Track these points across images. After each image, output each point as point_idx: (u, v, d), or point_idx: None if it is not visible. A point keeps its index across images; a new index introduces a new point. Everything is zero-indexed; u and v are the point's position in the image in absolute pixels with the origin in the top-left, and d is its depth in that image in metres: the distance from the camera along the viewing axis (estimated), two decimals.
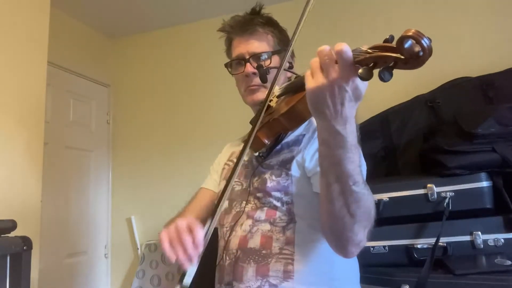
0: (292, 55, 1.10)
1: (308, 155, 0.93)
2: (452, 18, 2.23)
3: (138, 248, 2.76)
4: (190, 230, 0.75)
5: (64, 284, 2.54)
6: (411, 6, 2.32)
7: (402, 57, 0.52)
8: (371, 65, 0.56)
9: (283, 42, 1.08)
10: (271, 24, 1.07)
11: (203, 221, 1.08)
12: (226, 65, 1.09)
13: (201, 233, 0.74)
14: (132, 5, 2.64)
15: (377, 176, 1.87)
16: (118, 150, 3.01)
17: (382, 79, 0.53)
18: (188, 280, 0.73)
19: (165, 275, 2.56)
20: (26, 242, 1.29)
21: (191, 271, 0.73)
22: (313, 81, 0.63)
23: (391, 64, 0.54)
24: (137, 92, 3.01)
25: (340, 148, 0.67)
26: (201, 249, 0.74)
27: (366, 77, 0.55)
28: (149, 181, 2.83)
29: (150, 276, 2.57)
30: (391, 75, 0.53)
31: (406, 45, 0.51)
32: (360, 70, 0.55)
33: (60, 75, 2.61)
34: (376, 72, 0.55)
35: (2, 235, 1.29)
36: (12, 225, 1.32)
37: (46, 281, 2.23)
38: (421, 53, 0.51)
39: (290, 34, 1.11)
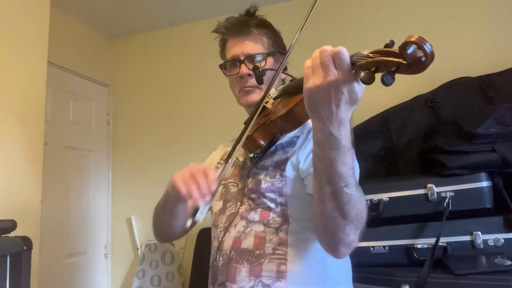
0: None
1: (302, 156, 0.93)
2: (452, 18, 2.23)
3: (138, 248, 2.76)
4: (204, 171, 0.78)
5: (64, 284, 2.54)
6: (411, 6, 2.32)
7: (405, 62, 0.53)
8: (372, 69, 0.56)
9: (277, 44, 1.08)
10: (265, 26, 1.07)
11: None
12: (221, 66, 1.09)
13: (214, 173, 0.78)
14: (132, 5, 2.64)
15: (377, 176, 1.87)
16: (118, 150, 3.01)
17: (384, 83, 0.54)
18: (200, 216, 0.77)
19: (165, 275, 2.57)
20: (26, 242, 1.29)
21: (203, 208, 0.76)
22: (311, 80, 0.64)
23: (393, 69, 0.54)
24: (137, 92, 3.01)
25: (333, 149, 0.68)
26: (214, 187, 0.76)
27: (368, 81, 0.56)
28: (149, 181, 2.83)
29: (150, 276, 2.57)
30: (394, 79, 0.54)
31: (409, 51, 0.52)
32: (362, 74, 0.56)
33: (60, 75, 2.61)
34: (377, 76, 0.56)
35: (2, 235, 1.29)
36: (12, 225, 1.32)
37: (46, 281, 2.23)
38: (423, 59, 0.52)
39: (284, 36, 1.11)
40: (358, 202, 0.74)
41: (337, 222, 0.74)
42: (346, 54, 0.59)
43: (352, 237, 0.77)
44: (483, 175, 1.44)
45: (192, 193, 0.75)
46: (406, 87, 1.93)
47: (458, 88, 1.88)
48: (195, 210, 0.77)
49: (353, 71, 0.60)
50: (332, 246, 0.81)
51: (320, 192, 0.73)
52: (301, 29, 0.83)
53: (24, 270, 1.28)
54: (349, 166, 0.70)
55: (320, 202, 0.75)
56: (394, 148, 1.90)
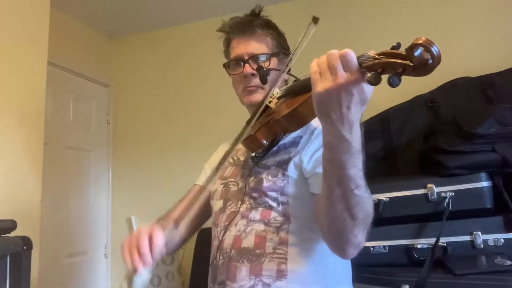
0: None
1: (306, 157, 0.93)
2: (452, 18, 2.23)
3: None
4: (151, 235, 0.78)
5: (64, 284, 2.53)
6: (412, 6, 2.32)
7: (411, 64, 0.53)
8: (379, 70, 0.57)
9: (281, 45, 1.09)
10: (270, 26, 1.08)
11: (195, 218, 1.11)
12: (224, 65, 1.10)
13: (160, 238, 0.78)
14: (132, 5, 2.64)
15: (377, 176, 1.87)
16: (118, 150, 3.00)
17: (391, 84, 0.55)
18: (138, 282, 0.76)
19: (165, 275, 2.56)
20: (26, 242, 1.30)
21: (143, 274, 0.76)
22: (321, 84, 0.64)
23: (399, 71, 0.55)
24: (137, 92, 3.01)
25: (344, 153, 0.67)
26: (157, 253, 0.77)
27: (375, 82, 0.56)
28: (149, 181, 2.83)
29: (150, 276, 2.57)
30: (400, 80, 0.55)
31: (416, 53, 0.52)
32: (368, 75, 0.57)
33: (60, 75, 2.61)
34: (383, 77, 0.56)
35: (2, 235, 1.29)
36: (12, 225, 1.32)
37: (46, 281, 2.23)
38: (430, 61, 0.52)
39: (288, 37, 1.12)
40: (366, 204, 0.74)
41: (346, 224, 0.74)
42: (353, 55, 0.60)
43: (360, 238, 0.77)
44: (483, 175, 1.44)
45: (133, 260, 0.76)
46: (406, 87, 1.91)
47: (458, 88, 1.88)
48: (130, 276, 0.76)
49: (360, 72, 0.60)
50: (340, 247, 0.81)
51: (329, 195, 0.73)
52: (301, 40, 0.84)
53: (24, 270, 1.28)
54: (359, 168, 0.70)
55: (329, 204, 0.74)
56: (394, 148, 1.90)
